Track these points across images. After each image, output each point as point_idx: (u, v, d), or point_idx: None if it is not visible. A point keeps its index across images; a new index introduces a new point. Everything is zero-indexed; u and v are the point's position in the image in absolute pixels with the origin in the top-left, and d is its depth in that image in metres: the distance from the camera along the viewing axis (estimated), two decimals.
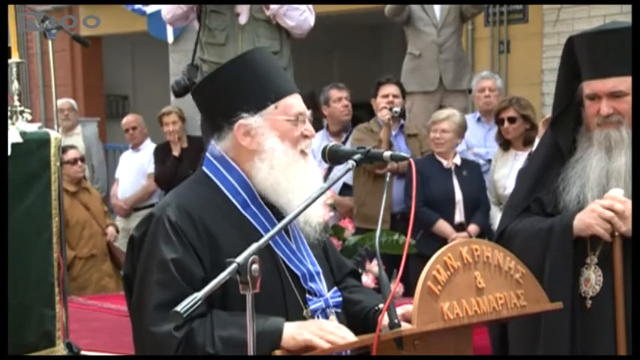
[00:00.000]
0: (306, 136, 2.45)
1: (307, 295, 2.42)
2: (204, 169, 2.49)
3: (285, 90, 2.45)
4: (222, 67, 2.46)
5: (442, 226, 5.53)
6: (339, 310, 2.48)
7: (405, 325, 2.23)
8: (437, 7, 6.64)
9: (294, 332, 2.21)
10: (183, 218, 2.33)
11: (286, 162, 2.40)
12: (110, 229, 6.92)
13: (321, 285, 2.47)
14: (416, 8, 6.64)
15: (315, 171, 2.47)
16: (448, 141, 5.62)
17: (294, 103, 2.45)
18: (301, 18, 4.95)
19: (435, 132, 5.61)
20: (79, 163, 6.78)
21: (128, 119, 7.93)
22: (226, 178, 2.43)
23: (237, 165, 2.44)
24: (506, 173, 5.68)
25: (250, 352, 2.05)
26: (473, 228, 5.59)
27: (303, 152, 2.45)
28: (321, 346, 2.18)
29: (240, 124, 2.39)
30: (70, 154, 6.72)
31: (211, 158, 2.48)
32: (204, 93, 2.51)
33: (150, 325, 2.25)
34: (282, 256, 2.41)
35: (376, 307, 2.47)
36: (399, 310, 2.32)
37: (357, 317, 2.47)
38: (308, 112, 2.50)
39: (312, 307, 2.41)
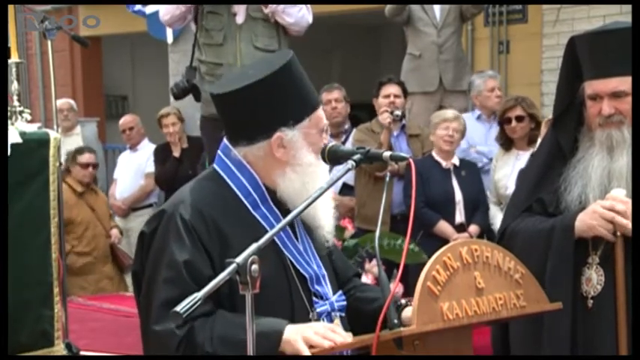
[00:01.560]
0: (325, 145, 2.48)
1: (313, 298, 2.42)
2: (216, 166, 2.47)
3: (317, 102, 2.47)
4: (263, 80, 2.36)
5: (443, 227, 5.53)
6: (343, 314, 2.48)
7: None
8: (437, 8, 6.63)
9: (291, 337, 2.19)
10: (196, 217, 2.32)
11: (318, 174, 2.42)
12: (114, 231, 6.92)
13: (327, 288, 2.47)
14: (416, 8, 6.63)
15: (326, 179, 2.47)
16: (456, 140, 5.67)
17: (322, 115, 2.47)
18: (299, 15, 4.98)
19: (447, 130, 5.61)
20: (90, 169, 6.80)
21: (125, 119, 7.93)
22: (238, 178, 2.42)
23: (253, 169, 2.42)
24: (507, 173, 5.67)
25: (250, 352, 2.05)
26: (473, 228, 5.59)
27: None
28: (308, 355, 2.16)
29: (277, 136, 2.38)
30: (84, 158, 6.72)
31: (224, 157, 2.46)
32: (238, 102, 2.40)
33: (153, 324, 2.26)
34: (290, 257, 2.41)
35: (398, 303, 2.42)
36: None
37: (374, 315, 2.42)
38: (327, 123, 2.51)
39: (319, 310, 2.40)
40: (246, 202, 2.40)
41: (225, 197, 2.40)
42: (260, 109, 2.37)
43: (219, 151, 2.49)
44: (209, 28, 4.93)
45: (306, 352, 2.15)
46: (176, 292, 2.23)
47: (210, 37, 4.94)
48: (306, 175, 2.39)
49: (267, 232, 2.31)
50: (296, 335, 2.19)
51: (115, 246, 6.91)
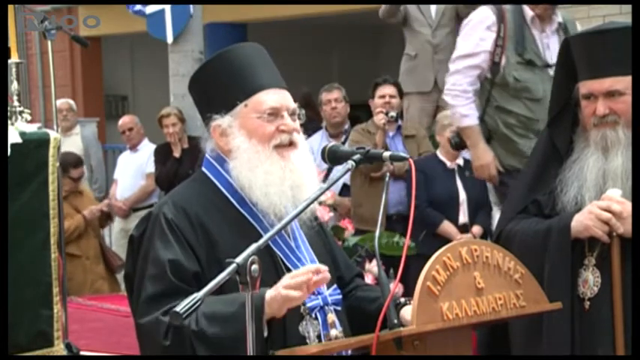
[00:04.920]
0: (282, 131, 2.42)
1: None
2: (203, 168, 2.52)
3: (256, 87, 2.44)
4: (199, 70, 2.53)
5: (447, 227, 5.52)
6: (338, 308, 2.49)
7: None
8: (433, 8, 6.64)
9: (272, 294, 2.20)
10: (179, 215, 2.36)
11: (255, 159, 2.40)
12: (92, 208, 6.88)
13: None
14: (412, 9, 6.64)
15: (301, 164, 2.44)
16: None
17: (265, 99, 2.42)
18: None
19: None
20: (79, 182, 6.85)
21: (124, 120, 7.94)
22: (223, 176, 2.46)
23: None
24: None
25: (250, 352, 2.05)
26: (477, 229, 5.58)
27: (279, 147, 2.42)
28: (295, 297, 2.18)
29: (214, 126, 2.44)
30: (77, 172, 6.74)
31: (209, 158, 2.51)
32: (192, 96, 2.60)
33: (138, 318, 2.31)
34: (280, 254, 2.42)
35: (397, 302, 2.43)
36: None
37: (375, 315, 2.39)
38: (292, 106, 2.46)
39: (309, 304, 2.40)
40: (232, 199, 2.43)
41: (211, 196, 2.44)
42: (198, 104, 2.53)
43: (206, 154, 2.53)
44: (523, 79, 4.49)
45: (291, 293, 2.17)
46: (159, 287, 2.28)
47: (528, 91, 4.50)
48: (240, 160, 2.41)
49: (254, 227, 2.38)
50: (275, 290, 2.20)
51: (104, 247, 6.93)
